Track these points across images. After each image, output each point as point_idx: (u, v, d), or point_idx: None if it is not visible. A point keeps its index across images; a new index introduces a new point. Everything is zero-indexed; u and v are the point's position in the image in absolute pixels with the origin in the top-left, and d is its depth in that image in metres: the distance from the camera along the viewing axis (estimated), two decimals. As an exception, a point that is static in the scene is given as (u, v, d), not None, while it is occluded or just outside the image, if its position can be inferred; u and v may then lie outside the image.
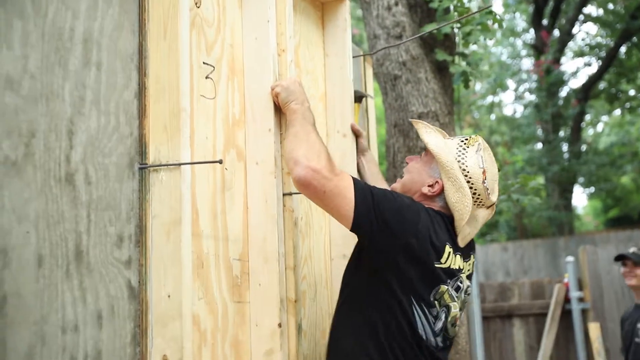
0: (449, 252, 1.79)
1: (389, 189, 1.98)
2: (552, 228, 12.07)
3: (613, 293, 5.81)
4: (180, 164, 1.48)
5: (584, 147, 13.52)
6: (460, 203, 1.82)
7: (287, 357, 1.81)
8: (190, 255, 1.49)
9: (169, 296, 1.45)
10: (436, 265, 1.75)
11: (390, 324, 1.73)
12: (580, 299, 5.85)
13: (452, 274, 1.79)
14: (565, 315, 5.91)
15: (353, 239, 1.85)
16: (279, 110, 1.89)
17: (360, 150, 2.36)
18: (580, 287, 5.93)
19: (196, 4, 1.77)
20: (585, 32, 13.73)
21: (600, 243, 8.86)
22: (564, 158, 12.14)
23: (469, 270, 1.88)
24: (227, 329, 1.74)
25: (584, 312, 5.86)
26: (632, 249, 4.27)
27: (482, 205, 1.86)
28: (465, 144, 1.89)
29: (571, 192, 12.58)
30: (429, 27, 3.14)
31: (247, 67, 1.93)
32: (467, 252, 1.89)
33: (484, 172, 1.84)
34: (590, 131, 16.47)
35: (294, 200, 1.92)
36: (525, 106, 13.93)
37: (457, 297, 1.81)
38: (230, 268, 1.78)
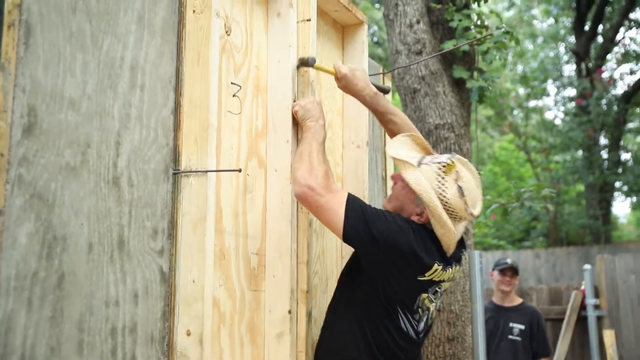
0: (436, 269, 1.96)
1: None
2: (588, 237, 12.01)
3: (629, 301, 5.91)
4: (206, 171, 1.77)
5: (628, 156, 13.34)
6: (445, 237, 1.99)
7: (295, 340, 2.08)
8: (213, 246, 1.77)
9: (193, 281, 1.74)
10: (419, 279, 1.95)
11: (377, 324, 1.98)
12: (596, 306, 5.97)
13: (433, 283, 2.00)
14: (581, 321, 6.05)
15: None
16: (296, 124, 2.16)
17: (383, 110, 2.31)
18: (597, 294, 6.05)
19: (227, 32, 2.05)
20: (630, 37, 13.54)
21: (636, 253, 8.84)
22: (604, 166, 12.03)
23: (453, 275, 2.08)
24: (243, 312, 2.02)
25: (599, 319, 5.97)
26: (509, 260, 4.55)
27: (465, 219, 2.04)
28: (443, 171, 1.97)
29: (609, 200, 12.48)
30: (447, 46, 3.37)
31: (270, 86, 2.21)
32: (455, 258, 2.08)
33: (465, 202, 1.96)
34: (638, 139, 16.20)
35: (308, 204, 2.18)
36: (566, 113, 13.84)
37: (434, 298, 2.05)
38: (248, 260, 2.06)
